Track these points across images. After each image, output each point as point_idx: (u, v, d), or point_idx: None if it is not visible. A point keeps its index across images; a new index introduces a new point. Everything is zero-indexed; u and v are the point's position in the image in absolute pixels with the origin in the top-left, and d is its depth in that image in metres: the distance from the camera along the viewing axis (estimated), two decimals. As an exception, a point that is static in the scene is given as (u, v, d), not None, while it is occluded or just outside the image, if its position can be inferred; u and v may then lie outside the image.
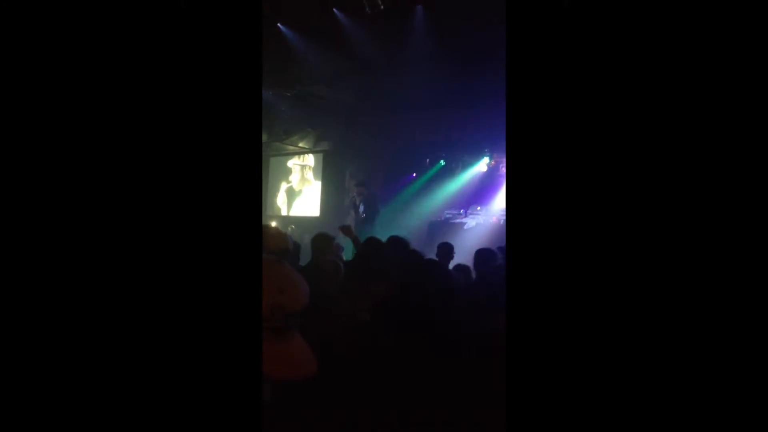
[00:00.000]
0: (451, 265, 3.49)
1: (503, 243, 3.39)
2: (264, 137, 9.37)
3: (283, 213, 9.65)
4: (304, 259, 3.09)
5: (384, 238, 2.91)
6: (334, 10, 5.67)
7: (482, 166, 7.66)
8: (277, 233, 3.18)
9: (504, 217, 6.36)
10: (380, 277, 2.05)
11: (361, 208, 6.60)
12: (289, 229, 8.18)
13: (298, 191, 9.62)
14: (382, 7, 5.34)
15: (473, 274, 3.26)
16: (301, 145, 9.44)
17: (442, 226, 7.15)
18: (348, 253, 3.65)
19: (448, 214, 7.46)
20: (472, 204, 7.34)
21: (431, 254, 3.53)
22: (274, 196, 9.90)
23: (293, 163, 9.73)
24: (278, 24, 6.10)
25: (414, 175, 8.25)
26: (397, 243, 2.60)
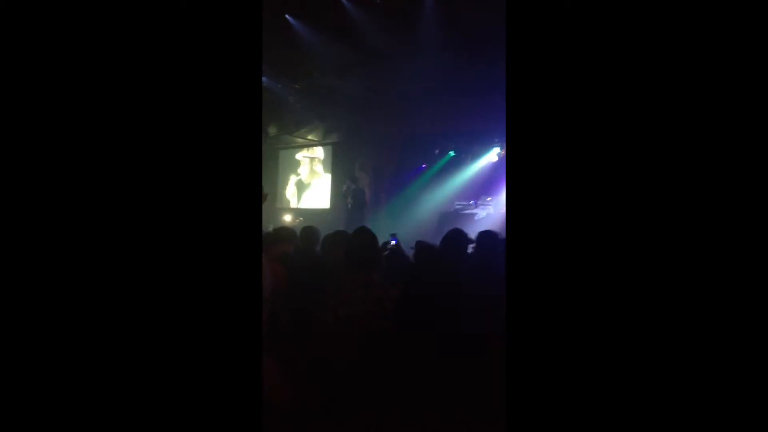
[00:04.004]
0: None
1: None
2: (273, 130, 9.37)
3: (293, 205, 9.67)
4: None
5: (393, 229, 2.83)
6: (342, 0, 5.63)
7: (492, 156, 7.60)
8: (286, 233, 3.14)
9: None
10: (371, 268, 2.01)
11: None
12: (297, 221, 8.20)
13: (308, 184, 9.63)
14: (390, -4, 5.30)
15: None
16: (310, 137, 9.43)
17: (452, 217, 7.12)
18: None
19: (458, 204, 7.43)
20: (483, 194, 7.30)
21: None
22: (284, 188, 9.92)
23: (302, 155, 9.73)
24: (286, 15, 6.07)
25: (424, 165, 8.22)
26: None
